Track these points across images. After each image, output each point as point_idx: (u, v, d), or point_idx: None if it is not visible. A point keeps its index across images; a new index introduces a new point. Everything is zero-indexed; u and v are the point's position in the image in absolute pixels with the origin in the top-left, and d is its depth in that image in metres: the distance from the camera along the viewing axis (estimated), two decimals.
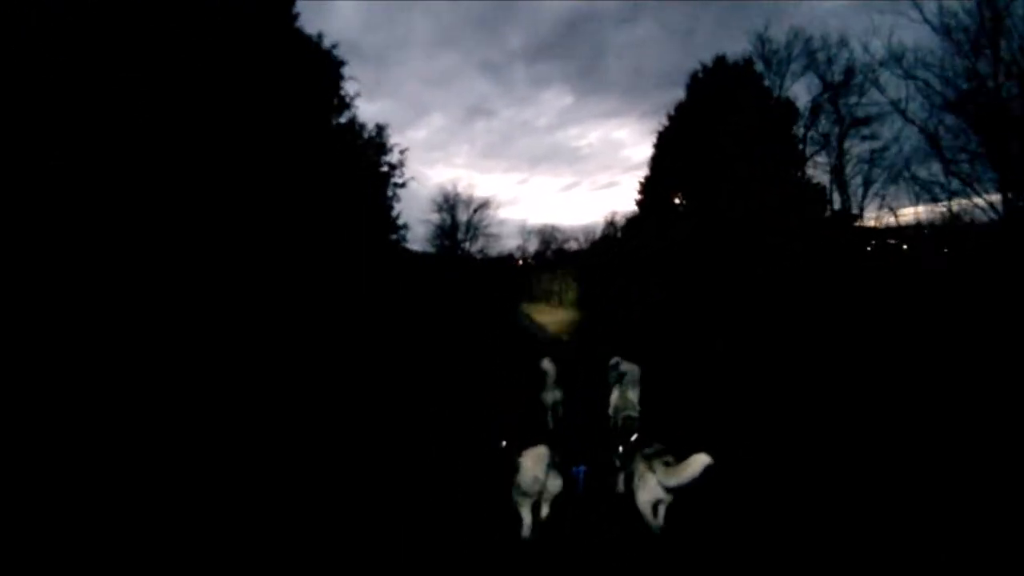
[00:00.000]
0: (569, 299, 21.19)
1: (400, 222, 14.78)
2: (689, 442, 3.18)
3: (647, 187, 16.85)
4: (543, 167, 58.03)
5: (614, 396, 4.90)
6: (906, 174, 12.91)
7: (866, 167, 14.59)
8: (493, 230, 31.60)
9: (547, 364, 5.72)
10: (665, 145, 16.11)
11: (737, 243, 12.04)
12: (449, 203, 31.19)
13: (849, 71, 14.41)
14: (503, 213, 55.36)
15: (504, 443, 3.62)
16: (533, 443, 3.46)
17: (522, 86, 62.40)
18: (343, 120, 12.96)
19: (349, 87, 12.87)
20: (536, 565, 3.09)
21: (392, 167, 14.71)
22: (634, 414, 4.57)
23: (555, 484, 3.37)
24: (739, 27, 47.98)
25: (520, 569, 3.07)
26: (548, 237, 30.20)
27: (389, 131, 14.61)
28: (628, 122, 60.27)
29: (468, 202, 31.40)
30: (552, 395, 5.65)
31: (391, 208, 14.85)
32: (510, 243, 31.36)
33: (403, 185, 14.96)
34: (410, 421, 5.65)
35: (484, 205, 31.66)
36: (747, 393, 6.57)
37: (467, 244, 31.57)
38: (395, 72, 57.66)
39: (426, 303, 14.59)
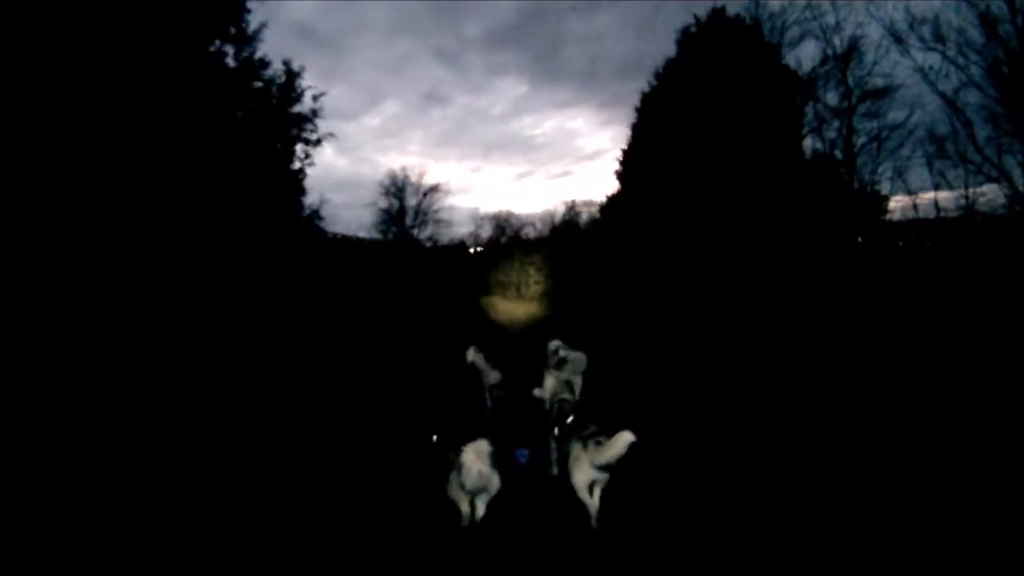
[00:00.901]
0: (530, 290, 18.45)
1: (316, 197, 11.44)
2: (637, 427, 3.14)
3: (628, 158, 14.28)
4: (497, 155, 55.80)
5: (550, 380, 4.90)
6: (922, 155, 11.97)
7: (875, 147, 13.17)
8: (444, 216, 28.37)
9: (472, 354, 5.74)
10: (650, 108, 13.90)
11: (731, 207, 10.98)
12: (397, 186, 27.56)
13: (856, 40, 13.04)
14: (456, 201, 53.97)
15: (435, 437, 3.59)
16: (471, 437, 3.29)
17: (478, 74, 59.24)
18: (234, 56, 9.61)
19: (253, 18, 10.36)
20: (478, 557, 3.03)
21: (302, 119, 11.00)
22: (569, 397, 4.45)
23: (494, 482, 3.23)
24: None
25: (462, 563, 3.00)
26: (503, 223, 27.04)
27: (302, 74, 11.00)
28: (583, 112, 58.68)
29: (417, 186, 27.79)
30: (491, 378, 5.60)
31: (301, 176, 11.24)
32: (462, 230, 28.71)
33: (317, 143, 11.38)
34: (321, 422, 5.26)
35: (434, 189, 28.41)
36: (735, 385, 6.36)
37: (416, 230, 28.09)
38: (350, 58, 54.16)
39: (352, 296, 12.43)
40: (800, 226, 10.35)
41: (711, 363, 7.28)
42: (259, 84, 10.46)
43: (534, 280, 19.21)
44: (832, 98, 13.43)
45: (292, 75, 11.06)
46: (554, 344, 5.42)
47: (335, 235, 17.15)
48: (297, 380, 6.52)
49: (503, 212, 27.19)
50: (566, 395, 4.46)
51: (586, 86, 58.34)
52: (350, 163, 46.50)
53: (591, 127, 57.34)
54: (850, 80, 13.15)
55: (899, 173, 12.86)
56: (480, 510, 3.26)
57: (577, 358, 5.11)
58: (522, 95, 57.28)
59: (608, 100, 56.67)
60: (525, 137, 52.08)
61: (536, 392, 4.89)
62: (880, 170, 13.02)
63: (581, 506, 3.29)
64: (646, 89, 14.39)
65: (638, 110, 14.50)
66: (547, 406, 4.50)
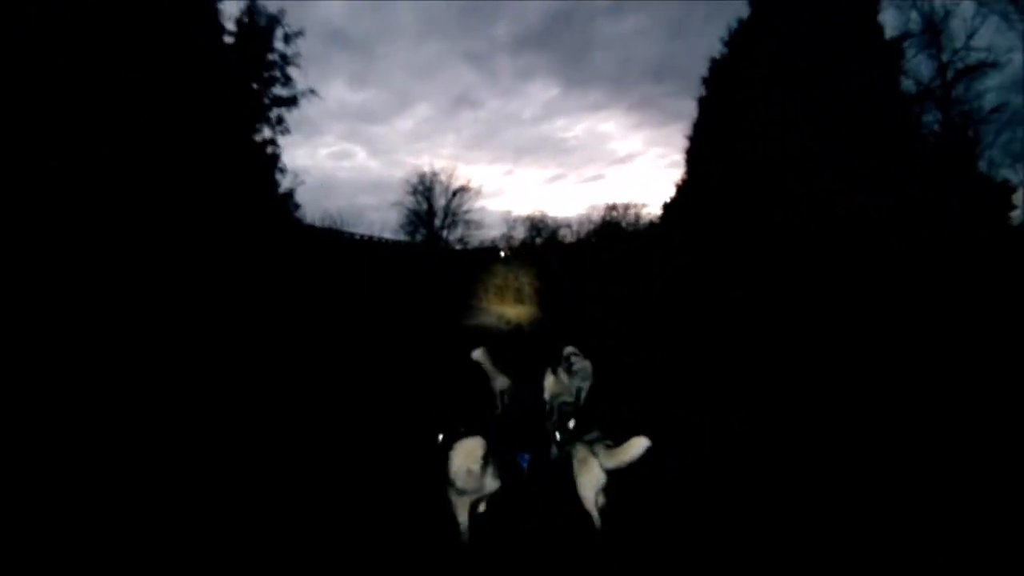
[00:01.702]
0: (560, 292, 16.01)
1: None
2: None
3: (695, 138, 11.38)
4: (528, 159, 54.62)
5: (549, 381, 4.74)
6: None
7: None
8: (474, 217, 26.02)
9: (478, 354, 5.54)
10: (719, 81, 10.77)
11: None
12: (425, 186, 25.38)
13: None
14: (488, 204, 52.71)
15: (440, 437, 3.40)
16: (468, 435, 3.23)
17: (508, 77, 59.54)
18: None
19: None
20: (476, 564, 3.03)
21: (271, 67, 8.68)
22: (569, 400, 4.45)
23: (491, 483, 3.17)
24: (725, 24, 47.76)
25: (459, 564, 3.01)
26: (538, 223, 24.30)
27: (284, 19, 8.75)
28: (614, 115, 57.14)
29: (446, 186, 25.59)
30: (499, 383, 5.47)
31: (273, 150, 8.85)
32: (494, 232, 26.71)
33: (292, 103, 8.99)
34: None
35: (463, 189, 26.17)
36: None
37: (445, 232, 25.77)
38: (381, 62, 54.74)
39: (348, 302, 10.57)
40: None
41: (730, 361, 6.92)
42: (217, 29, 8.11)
43: (566, 282, 16.53)
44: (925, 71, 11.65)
45: (267, 20, 8.67)
46: (568, 350, 5.47)
47: (354, 235, 16.37)
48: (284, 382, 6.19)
49: (537, 213, 24.56)
50: (566, 398, 4.43)
51: (617, 88, 57.23)
52: (382, 165, 46.34)
53: (623, 130, 56.20)
54: (946, 48, 11.41)
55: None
56: (479, 509, 3.20)
57: (583, 367, 5.20)
58: (553, 98, 56.67)
59: (639, 102, 55.72)
60: (556, 140, 51.34)
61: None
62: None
63: (582, 509, 3.22)
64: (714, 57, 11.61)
65: (706, 81, 11.60)
66: (547, 407, 4.48)
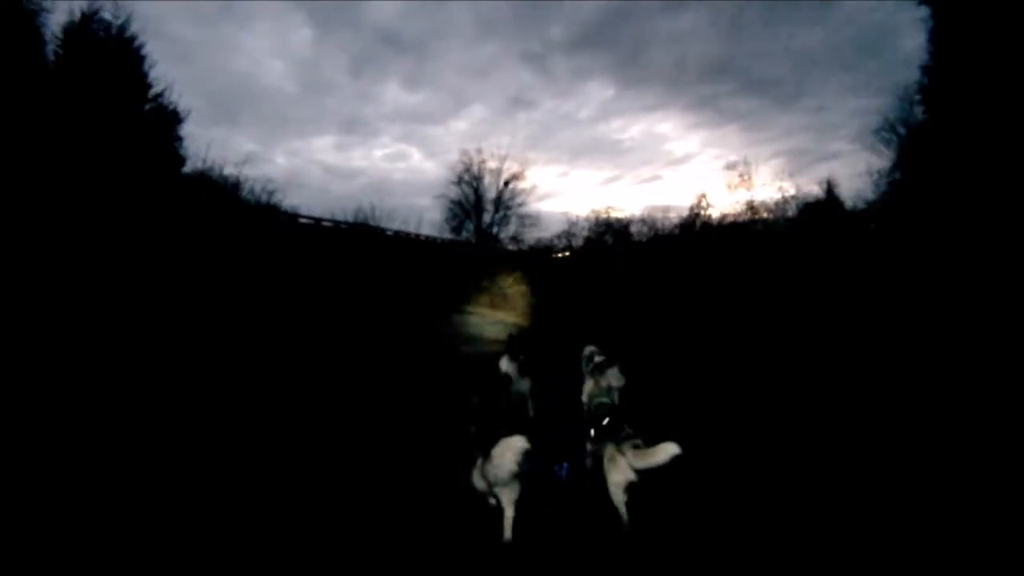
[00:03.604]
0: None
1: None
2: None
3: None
4: (584, 160, 53.27)
5: (589, 384, 4.87)
6: None
7: None
8: (527, 210, 22.92)
9: (505, 364, 5.73)
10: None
11: None
12: (472, 174, 22.69)
13: None
14: (543, 206, 52.08)
15: (473, 428, 3.66)
16: (507, 434, 3.34)
17: (563, 77, 57.34)
18: None
19: None
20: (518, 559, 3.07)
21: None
22: (606, 401, 4.46)
23: (516, 483, 3.24)
24: (786, 20, 44.91)
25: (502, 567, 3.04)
26: (609, 220, 20.80)
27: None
28: (671, 115, 55.40)
29: (497, 173, 22.79)
30: (521, 385, 5.57)
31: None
32: (550, 231, 23.65)
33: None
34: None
35: (516, 177, 22.97)
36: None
37: (496, 228, 22.93)
38: (435, 63, 55.04)
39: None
40: None
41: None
42: None
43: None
44: None
45: None
46: (589, 350, 5.50)
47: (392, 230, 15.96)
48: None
49: (605, 209, 21.20)
50: (603, 399, 4.46)
51: (673, 88, 55.99)
52: (437, 167, 45.40)
53: (679, 130, 54.30)
54: None
55: None
56: (509, 510, 3.24)
57: (614, 372, 5.11)
58: (609, 98, 55.45)
59: (695, 103, 53.55)
60: (612, 141, 50.59)
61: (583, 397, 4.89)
62: None
63: (612, 510, 3.36)
64: None
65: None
66: (585, 409, 4.55)
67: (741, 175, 16.91)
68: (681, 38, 52.46)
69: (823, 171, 44.94)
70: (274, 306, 8.58)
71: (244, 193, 12.18)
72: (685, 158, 48.99)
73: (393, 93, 52.51)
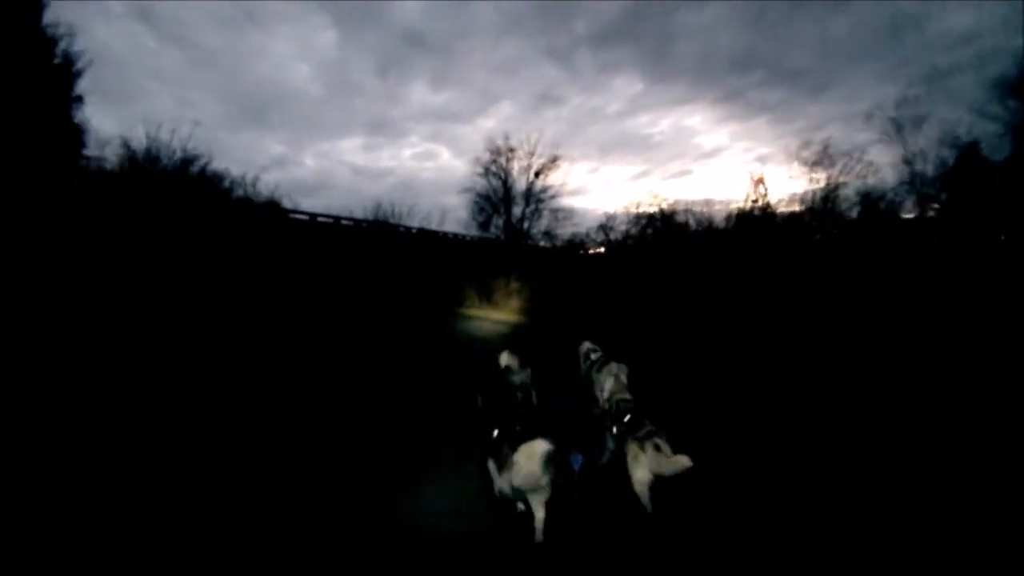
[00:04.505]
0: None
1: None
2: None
3: None
4: (614, 156, 52.37)
5: (609, 382, 4.87)
6: None
7: None
8: (559, 203, 21.33)
9: (506, 357, 5.71)
10: None
11: None
12: (499, 165, 21.18)
13: None
14: (573, 202, 50.31)
15: (495, 433, 3.63)
16: (528, 437, 3.38)
17: (590, 73, 54.97)
18: None
19: None
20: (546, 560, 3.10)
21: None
22: (628, 397, 4.50)
23: (545, 484, 3.22)
24: (810, 11, 42.97)
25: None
26: (661, 210, 18.96)
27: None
28: (699, 109, 52.23)
29: (527, 164, 21.17)
30: (519, 377, 5.48)
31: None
32: (586, 225, 21.37)
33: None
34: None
35: (548, 167, 21.33)
36: None
37: (526, 223, 21.38)
38: (461, 61, 53.62)
39: None
40: None
41: None
42: None
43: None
44: None
45: None
46: (585, 347, 5.43)
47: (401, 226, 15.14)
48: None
49: (653, 197, 19.38)
50: (625, 395, 4.48)
51: (701, 81, 53.97)
52: (465, 164, 45.96)
53: (708, 124, 51.90)
54: None
55: None
56: (539, 512, 3.24)
57: (621, 367, 5.07)
58: (637, 93, 53.23)
59: (723, 96, 50.92)
60: (642, 136, 48.46)
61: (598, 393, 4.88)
62: None
63: (631, 504, 3.47)
64: None
65: None
66: (605, 406, 4.54)
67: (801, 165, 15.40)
68: (707, 30, 50.74)
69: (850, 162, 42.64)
70: (270, 306, 8.22)
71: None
72: (715, 151, 47.26)
73: (420, 93, 52.71)
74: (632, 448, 3.60)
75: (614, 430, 4.02)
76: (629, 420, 3.91)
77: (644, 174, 47.98)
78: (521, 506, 3.35)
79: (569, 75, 55.90)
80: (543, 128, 52.36)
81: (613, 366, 5.03)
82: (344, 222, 14.35)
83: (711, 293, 11.91)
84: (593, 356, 5.18)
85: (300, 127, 47.77)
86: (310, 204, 24.08)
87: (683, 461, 3.25)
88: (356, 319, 9.19)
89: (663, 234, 17.53)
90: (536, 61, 56.71)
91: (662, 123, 52.73)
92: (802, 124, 44.60)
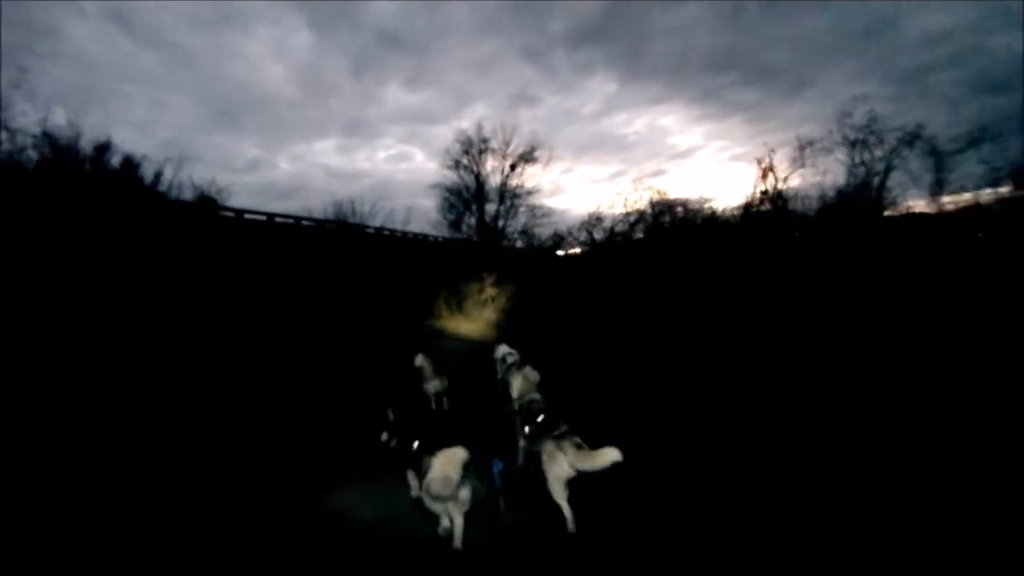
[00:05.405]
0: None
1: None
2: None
3: None
4: (589, 156, 53.83)
5: (517, 381, 4.80)
6: None
7: None
8: (536, 200, 19.44)
9: (420, 359, 5.86)
10: None
11: None
12: (471, 157, 19.03)
13: None
14: (548, 203, 49.59)
15: (416, 444, 3.54)
16: (447, 443, 3.31)
17: (565, 73, 57.77)
18: None
19: None
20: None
21: None
22: (538, 397, 4.40)
23: (466, 493, 3.16)
24: (786, 11, 44.19)
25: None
26: (669, 203, 17.30)
27: None
28: (674, 108, 55.55)
29: (502, 155, 19.10)
30: (432, 385, 5.78)
31: None
32: (563, 226, 20.72)
33: None
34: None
35: (526, 159, 19.32)
36: None
37: (502, 221, 19.29)
38: (436, 62, 55.83)
39: None
40: None
41: None
42: None
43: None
44: None
45: None
46: (501, 351, 5.47)
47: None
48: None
49: (652, 191, 17.80)
50: (535, 395, 4.42)
51: (676, 81, 55.70)
52: (440, 166, 43.54)
53: (683, 124, 54.27)
54: None
55: None
56: (458, 519, 3.19)
57: (529, 372, 5.00)
58: (612, 92, 55.53)
59: (699, 95, 53.22)
60: (617, 136, 50.23)
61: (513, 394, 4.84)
62: None
63: (556, 512, 3.36)
64: None
65: None
66: (516, 406, 4.53)
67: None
68: (683, 30, 52.25)
69: (830, 162, 42.96)
70: (191, 308, 7.50)
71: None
72: (689, 152, 48.90)
73: (394, 94, 51.25)
74: (548, 447, 3.50)
75: (526, 430, 3.93)
76: (543, 420, 3.78)
77: (619, 174, 50.18)
78: (446, 519, 3.27)
79: (544, 75, 56.42)
80: (518, 129, 51.61)
81: (526, 369, 4.90)
82: (278, 219, 12.04)
83: (713, 289, 11.32)
84: (509, 360, 5.18)
85: (275, 129, 45.78)
86: (285, 207, 22.06)
87: (611, 454, 3.07)
88: (297, 323, 8.61)
89: (660, 229, 15.74)
90: (511, 61, 57.05)
91: (637, 123, 54.49)
92: (777, 123, 44.61)
